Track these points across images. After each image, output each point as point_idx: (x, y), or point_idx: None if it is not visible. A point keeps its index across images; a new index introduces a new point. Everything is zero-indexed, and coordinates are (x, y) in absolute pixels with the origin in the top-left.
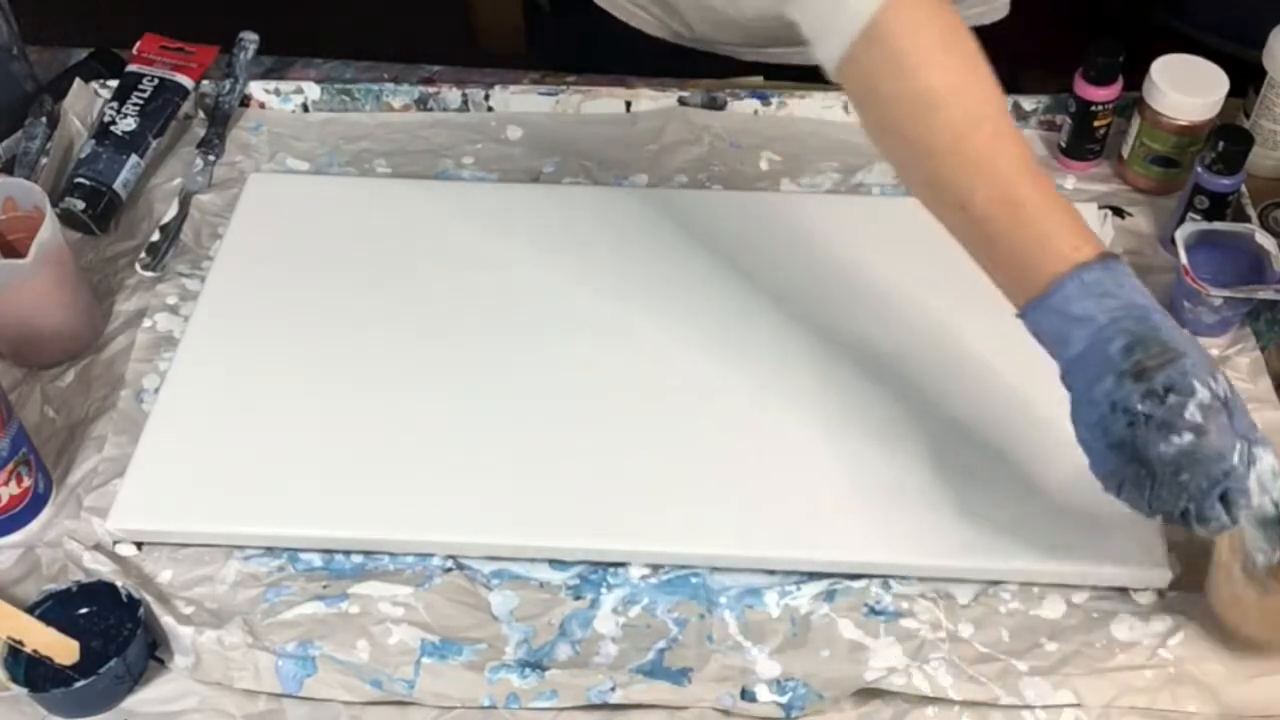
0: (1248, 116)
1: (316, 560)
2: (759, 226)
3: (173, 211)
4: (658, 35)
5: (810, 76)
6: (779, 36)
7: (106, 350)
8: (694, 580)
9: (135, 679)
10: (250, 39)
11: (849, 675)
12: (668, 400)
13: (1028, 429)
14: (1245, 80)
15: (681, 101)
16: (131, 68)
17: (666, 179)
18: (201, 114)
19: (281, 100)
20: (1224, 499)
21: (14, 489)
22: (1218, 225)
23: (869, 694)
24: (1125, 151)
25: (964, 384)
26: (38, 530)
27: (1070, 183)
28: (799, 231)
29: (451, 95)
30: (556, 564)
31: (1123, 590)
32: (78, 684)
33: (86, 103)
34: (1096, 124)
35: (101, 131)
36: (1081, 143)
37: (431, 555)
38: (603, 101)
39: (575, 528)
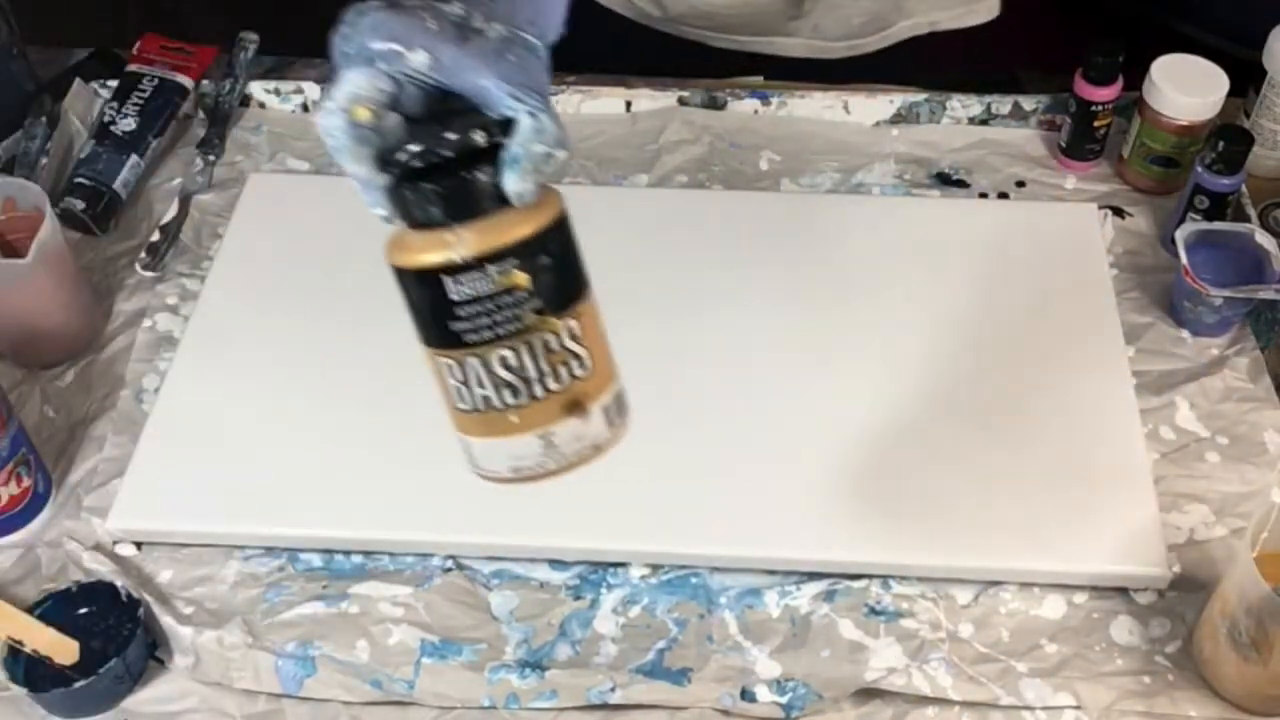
0: (1248, 116)
1: (316, 560)
2: (759, 226)
3: (173, 211)
4: (623, 13)
5: (810, 76)
6: (750, 23)
7: (106, 350)
8: (694, 580)
9: (135, 679)
10: (250, 39)
11: (849, 675)
12: (666, 400)
13: (1028, 428)
14: (1245, 80)
15: (681, 101)
16: (131, 68)
17: (666, 179)
18: (201, 114)
19: (281, 100)
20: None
21: (14, 489)
22: (1218, 225)
23: (869, 694)
24: (1125, 151)
25: (964, 383)
26: (38, 530)
27: (1070, 183)
28: (799, 231)
29: None
30: (556, 564)
31: (1123, 590)
32: (78, 684)
33: (86, 103)
34: (1096, 124)
35: (101, 131)
36: (1081, 143)
37: (431, 555)
38: (603, 101)
39: (575, 528)
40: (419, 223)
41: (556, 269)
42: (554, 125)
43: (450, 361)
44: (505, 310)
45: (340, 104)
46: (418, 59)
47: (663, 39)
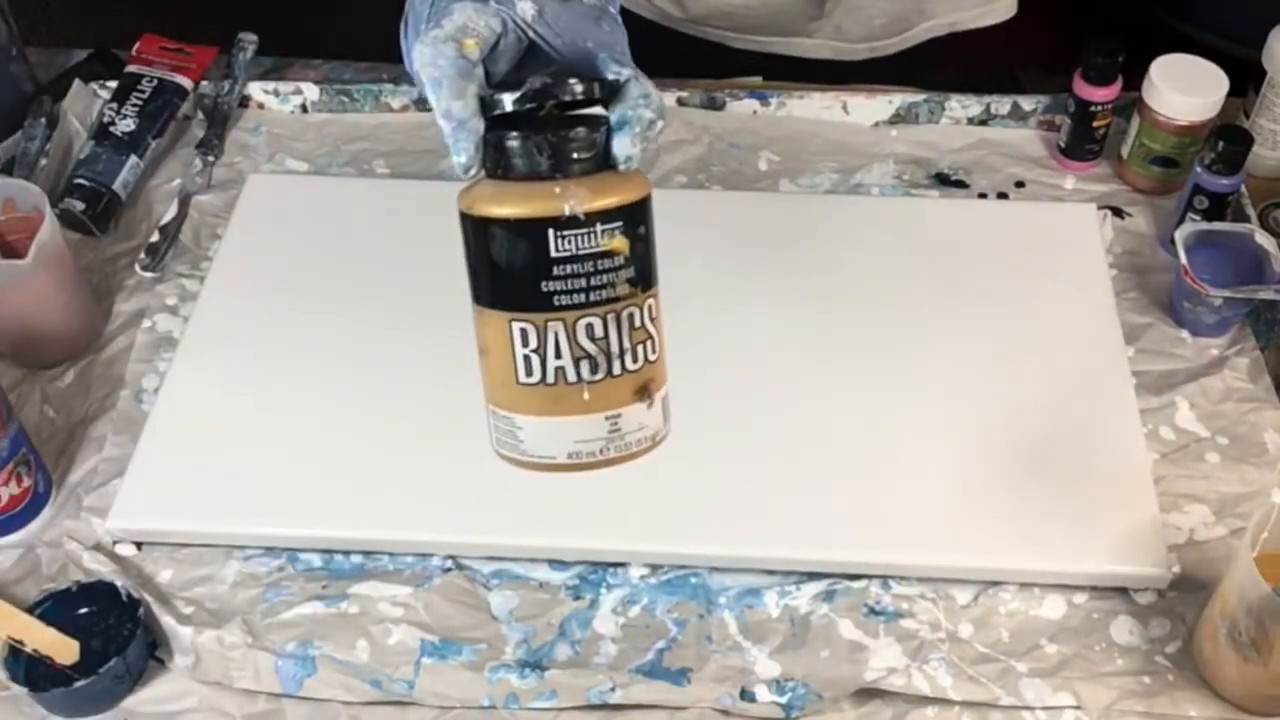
0: (1248, 116)
1: (316, 560)
2: (758, 227)
3: (172, 212)
4: (644, 15)
5: (810, 76)
6: (772, 24)
7: (106, 350)
8: (694, 580)
9: (135, 679)
10: (250, 39)
11: (848, 675)
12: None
13: (1028, 428)
14: (1245, 80)
15: (680, 101)
16: (131, 68)
17: (665, 179)
18: (201, 115)
19: (280, 101)
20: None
21: (14, 489)
22: (1218, 225)
23: (869, 694)
24: (1125, 151)
25: (964, 384)
26: (38, 530)
27: (1070, 183)
28: (798, 232)
29: None
30: (556, 564)
31: (1123, 590)
32: (78, 684)
33: (86, 103)
34: (1096, 124)
35: (101, 132)
36: (1081, 143)
37: (431, 555)
38: None
39: (575, 528)
40: (519, 173)
41: (648, 242)
42: (657, 93)
43: (529, 325)
44: (602, 274)
45: (450, 33)
46: (526, 8)
47: (664, 39)
